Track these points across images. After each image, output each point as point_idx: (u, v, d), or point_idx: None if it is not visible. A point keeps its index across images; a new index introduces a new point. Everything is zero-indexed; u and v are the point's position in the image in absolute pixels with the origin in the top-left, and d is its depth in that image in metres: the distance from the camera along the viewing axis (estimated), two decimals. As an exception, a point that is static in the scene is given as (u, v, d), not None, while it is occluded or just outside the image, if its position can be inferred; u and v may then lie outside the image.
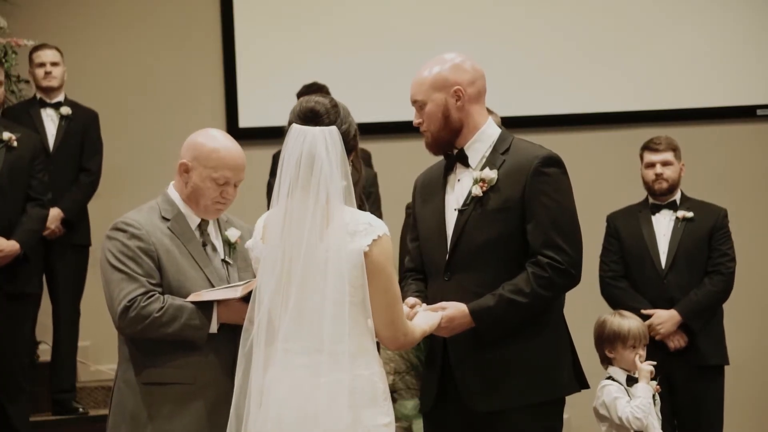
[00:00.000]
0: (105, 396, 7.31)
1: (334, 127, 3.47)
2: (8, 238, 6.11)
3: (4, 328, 6.16)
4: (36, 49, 6.98)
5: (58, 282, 6.79)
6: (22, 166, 6.23)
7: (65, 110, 6.93)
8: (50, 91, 6.94)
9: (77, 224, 6.90)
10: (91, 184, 7.00)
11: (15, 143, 6.23)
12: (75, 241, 6.91)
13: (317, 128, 3.46)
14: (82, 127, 6.96)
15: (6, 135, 6.22)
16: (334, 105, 3.52)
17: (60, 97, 6.98)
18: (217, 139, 3.97)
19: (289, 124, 3.51)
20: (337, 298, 3.39)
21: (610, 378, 4.82)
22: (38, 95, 6.96)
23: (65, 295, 6.84)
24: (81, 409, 6.89)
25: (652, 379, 4.77)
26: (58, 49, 6.98)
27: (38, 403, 6.62)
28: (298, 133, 3.46)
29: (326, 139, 3.44)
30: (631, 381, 4.80)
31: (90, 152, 6.98)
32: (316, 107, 3.49)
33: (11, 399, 6.20)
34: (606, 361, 4.88)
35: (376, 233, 3.43)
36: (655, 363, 4.80)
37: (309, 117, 3.48)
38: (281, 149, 7.54)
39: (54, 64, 6.92)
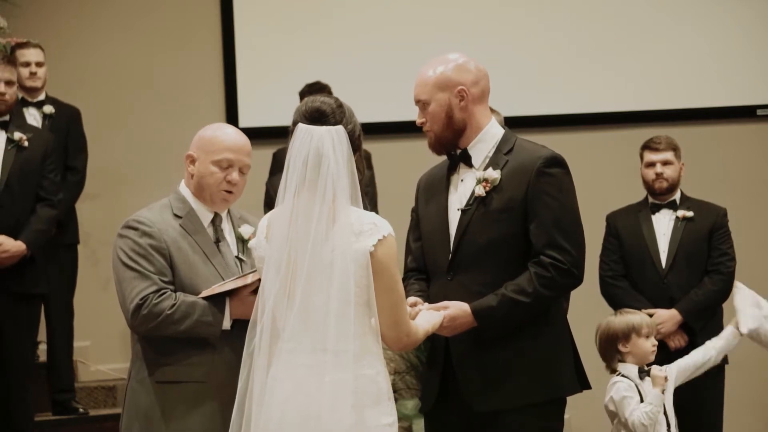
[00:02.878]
0: (105, 396, 7.31)
1: (340, 127, 3.47)
2: (16, 238, 6.10)
3: (12, 329, 6.15)
4: (19, 47, 6.90)
5: (51, 282, 6.75)
6: (32, 166, 6.21)
7: (48, 109, 6.89)
8: (33, 90, 6.90)
9: (66, 223, 6.87)
10: (78, 183, 6.96)
11: (26, 143, 6.21)
12: (65, 241, 6.89)
13: (324, 128, 3.46)
14: (66, 125, 6.92)
15: (17, 135, 6.21)
16: (340, 105, 3.52)
17: (42, 96, 6.94)
18: (219, 127, 4.00)
19: (294, 123, 3.51)
20: (342, 297, 3.39)
21: (620, 375, 4.84)
22: (20, 94, 6.87)
23: (58, 295, 6.82)
24: (81, 409, 6.88)
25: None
26: (41, 47, 6.93)
27: (38, 403, 6.61)
28: (304, 132, 3.46)
29: (333, 138, 3.44)
30: (642, 373, 4.82)
31: (75, 150, 6.94)
32: (322, 107, 3.50)
33: (17, 399, 6.19)
34: (615, 360, 4.89)
35: (381, 233, 3.43)
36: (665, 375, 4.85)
37: (315, 117, 3.48)
38: (282, 148, 7.51)
39: (39, 64, 6.86)
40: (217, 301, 3.79)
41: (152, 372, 3.83)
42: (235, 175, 3.92)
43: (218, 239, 3.94)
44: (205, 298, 3.78)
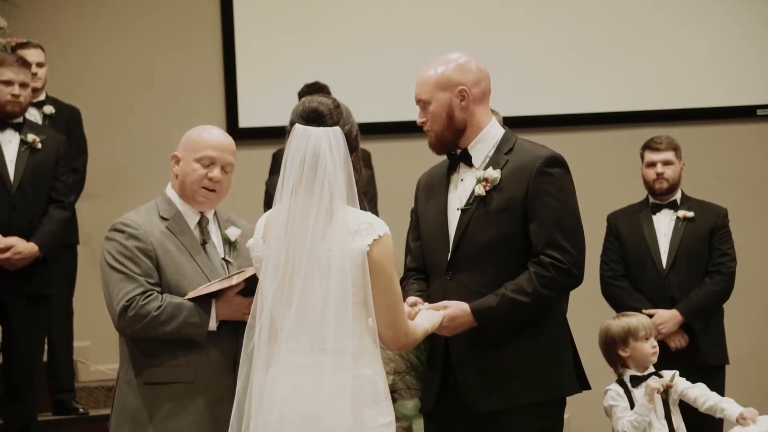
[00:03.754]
0: (105, 396, 7.31)
1: (337, 128, 3.47)
2: (28, 239, 6.10)
3: (23, 329, 6.14)
4: (19, 47, 6.87)
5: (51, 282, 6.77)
6: (45, 168, 6.20)
7: (48, 109, 6.86)
8: (33, 90, 6.89)
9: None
10: (79, 183, 6.95)
11: (39, 145, 6.21)
12: (65, 241, 6.88)
13: (321, 128, 3.46)
14: (66, 126, 6.91)
15: (30, 137, 6.20)
16: (337, 105, 3.52)
17: (42, 96, 6.91)
18: (205, 128, 4.02)
19: (291, 124, 3.51)
20: (340, 297, 3.39)
21: (618, 381, 4.84)
22: None
23: (58, 295, 6.80)
24: (81, 409, 6.88)
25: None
26: (41, 48, 6.91)
27: (38, 403, 6.60)
28: (301, 133, 3.46)
29: (330, 139, 3.44)
30: (636, 380, 4.81)
31: (75, 151, 6.90)
32: (319, 108, 3.49)
33: (24, 399, 6.19)
34: (619, 364, 4.89)
35: (377, 233, 3.43)
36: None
37: (312, 117, 3.48)
38: (282, 148, 7.53)
39: (39, 64, 6.83)
40: (203, 302, 3.80)
41: (140, 373, 3.84)
42: (216, 172, 3.93)
43: (204, 241, 3.95)
44: (191, 300, 3.80)
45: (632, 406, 4.78)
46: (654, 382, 4.77)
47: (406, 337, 3.56)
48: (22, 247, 6.04)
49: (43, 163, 6.20)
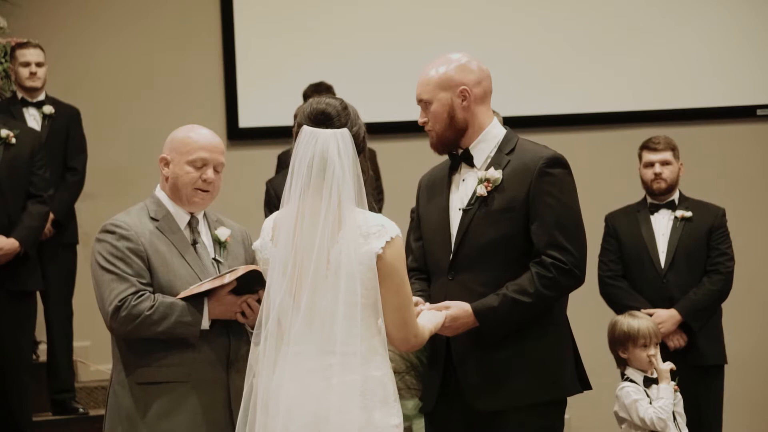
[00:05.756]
0: (105, 396, 7.30)
1: (345, 130, 3.46)
2: (8, 236, 6.10)
3: (7, 326, 6.15)
4: (20, 46, 6.88)
5: (50, 282, 6.76)
6: (21, 163, 6.21)
7: (48, 109, 6.88)
8: (33, 90, 6.89)
9: (66, 224, 6.87)
10: (78, 183, 6.96)
11: (13, 140, 6.21)
12: (64, 241, 6.89)
13: (329, 131, 3.45)
14: (65, 125, 6.92)
15: (4, 132, 6.21)
16: (345, 107, 3.51)
17: (41, 96, 6.92)
18: (192, 128, 4.01)
19: (299, 125, 3.50)
20: (349, 299, 3.38)
21: (627, 380, 4.85)
22: (20, 94, 6.88)
23: (58, 295, 6.82)
24: (81, 409, 6.88)
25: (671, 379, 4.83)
26: (41, 47, 6.91)
27: (38, 403, 6.61)
28: (309, 135, 3.45)
29: (338, 141, 3.43)
30: (648, 381, 4.82)
31: (74, 151, 6.94)
32: (327, 109, 3.48)
33: (16, 398, 6.20)
34: (622, 363, 4.92)
35: (389, 235, 3.43)
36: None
37: (320, 119, 3.47)
38: (287, 150, 7.48)
39: (39, 64, 6.85)
40: (196, 301, 3.80)
41: (132, 373, 3.84)
42: (210, 174, 3.93)
43: (195, 241, 3.95)
44: (183, 299, 3.80)
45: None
46: (666, 366, 4.80)
47: (415, 338, 3.56)
48: (3, 243, 6.05)
49: (18, 158, 6.21)
